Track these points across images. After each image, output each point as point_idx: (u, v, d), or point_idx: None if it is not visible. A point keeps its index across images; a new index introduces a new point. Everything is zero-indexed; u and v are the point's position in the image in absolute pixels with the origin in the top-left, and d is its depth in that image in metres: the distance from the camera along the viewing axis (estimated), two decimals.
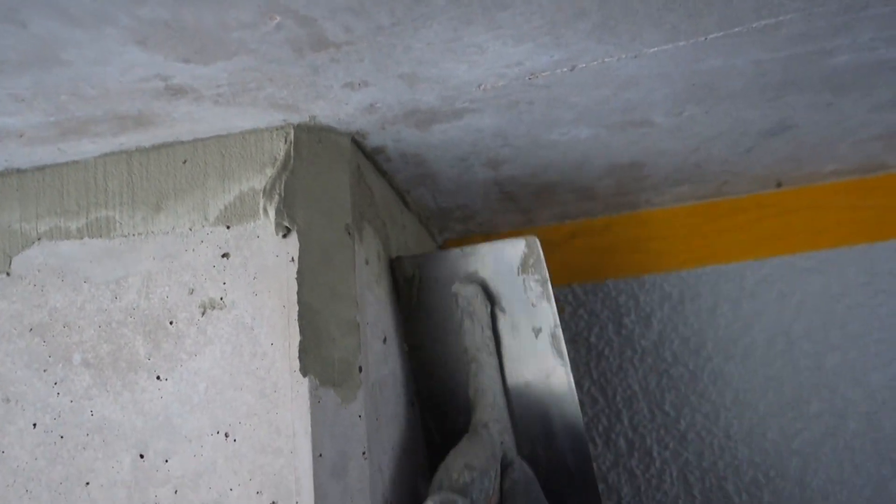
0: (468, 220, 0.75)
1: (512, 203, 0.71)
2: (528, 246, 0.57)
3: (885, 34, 0.47)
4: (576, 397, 0.56)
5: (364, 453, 0.47)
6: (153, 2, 0.36)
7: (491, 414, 0.55)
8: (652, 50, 0.46)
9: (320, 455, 0.45)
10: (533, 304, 0.57)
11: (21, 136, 0.49)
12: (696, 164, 0.66)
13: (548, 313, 0.57)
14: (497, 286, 0.58)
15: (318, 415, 0.45)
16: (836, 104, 0.57)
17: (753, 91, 0.53)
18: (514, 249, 0.58)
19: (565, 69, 0.47)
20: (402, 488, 0.54)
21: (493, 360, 0.57)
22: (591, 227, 0.78)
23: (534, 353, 0.57)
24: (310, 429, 0.45)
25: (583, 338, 0.74)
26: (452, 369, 0.59)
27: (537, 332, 0.57)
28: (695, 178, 0.70)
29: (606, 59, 0.46)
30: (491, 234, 0.79)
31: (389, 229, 0.61)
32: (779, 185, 0.74)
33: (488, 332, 0.57)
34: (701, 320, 0.73)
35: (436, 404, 0.59)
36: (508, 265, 0.58)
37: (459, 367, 0.58)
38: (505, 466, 0.53)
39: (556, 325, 0.57)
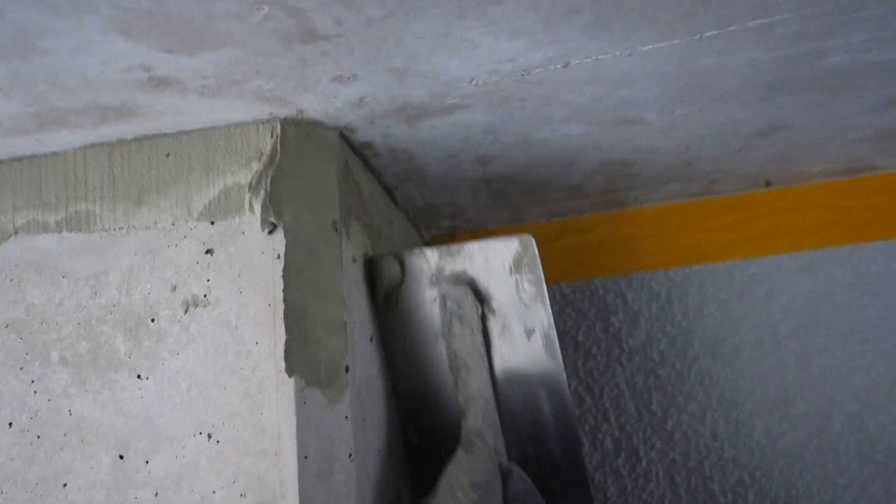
0: (456, 216, 0.74)
1: (501, 200, 0.70)
2: (521, 245, 0.55)
3: (880, 36, 0.46)
4: (569, 397, 0.54)
5: (350, 455, 0.46)
6: None
7: (484, 421, 0.53)
8: (646, 48, 0.45)
9: (306, 457, 0.44)
10: (526, 305, 0.55)
11: None
12: (687, 162, 0.66)
13: (541, 314, 0.55)
14: (487, 286, 0.55)
15: (303, 416, 0.44)
16: (828, 105, 0.57)
17: (746, 90, 0.53)
18: (506, 248, 0.55)
19: (559, 66, 0.46)
20: (389, 490, 0.53)
21: (484, 364, 0.55)
22: (580, 225, 0.77)
23: (526, 355, 0.55)
24: (295, 430, 0.44)
25: (570, 336, 0.74)
26: (435, 371, 0.56)
27: (530, 333, 0.55)
28: (685, 176, 0.69)
29: (600, 57, 0.46)
30: (479, 230, 0.79)
31: (377, 226, 0.60)
32: (768, 184, 0.74)
33: (479, 336, 0.55)
34: (688, 319, 0.73)
35: (415, 406, 0.57)
36: (500, 264, 0.55)
37: (442, 369, 0.56)
38: (504, 477, 0.51)
39: (549, 327, 0.55)
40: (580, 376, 0.73)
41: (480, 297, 0.55)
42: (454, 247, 0.56)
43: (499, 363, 0.56)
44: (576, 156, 0.61)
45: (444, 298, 0.55)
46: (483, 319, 0.56)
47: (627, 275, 0.75)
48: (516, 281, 0.55)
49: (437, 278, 0.56)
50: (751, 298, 0.73)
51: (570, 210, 0.76)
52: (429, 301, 0.56)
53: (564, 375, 0.55)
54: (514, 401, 0.55)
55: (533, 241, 0.55)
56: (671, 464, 0.70)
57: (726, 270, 0.74)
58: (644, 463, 0.71)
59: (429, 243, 0.79)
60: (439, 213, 0.73)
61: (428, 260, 0.56)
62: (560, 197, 0.72)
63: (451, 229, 0.78)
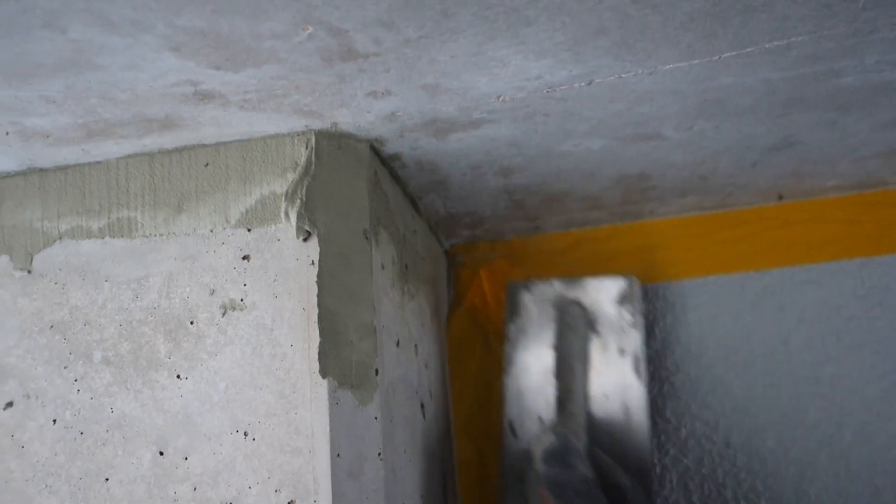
0: (476, 226, 0.77)
1: (520, 210, 0.73)
2: (628, 284, 0.71)
3: (891, 57, 0.48)
4: (646, 411, 0.67)
5: (379, 454, 0.48)
6: (191, 11, 0.37)
7: (574, 421, 0.66)
8: (667, 67, 0.47)
9: (338, 455, 0.46)
10: (623, 330, 0.69)
11: (48, 136, 0.50)
12: (702, 176, 0.68)
13: (635, 339, 0.69)
14: (595, 312, 0.70)
15: (336, 416, 0.46)
16: (840, 122, 0.59)
17: (762, 108, 0.55)
18: (614, 284, 0.71)
19: (583, 84, 0.48)
20: (414, 490, 0.55)
21: (582, 368, 0.69)
22: (596, 236, 0.79)
23: (616, 369, 0.68)
24: (328, 429, 0.46)
25: None
26: (540, 371, 0.70)
27: (622, 352, 0.69)
28: (700, 190, 0.71)
29: (623, 75, 0.48)
30: (497, 240, 0.81)
31: (402, 234, 0.62)
32: (780, 198, 0.76)
33: (584, 347, 0.69)
34: (703, 329, 0.75)
35: (520, 399, 0.70)
36: (608, 296, 0.71)
37: (547, 371, 0.70)
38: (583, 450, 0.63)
39: (640, 350, 0.69)
40: None
41: (589, 320, 0.70)
42: (574, 280, 0.73)
43: (593, 373, 0.69)
44: (595, 168, 0.63)
45: (561, 313, 0.71)
46: (587, 337, 0.70)
47: (642, 285, 0.77)
48: (619, 311, 0.70)
49: (558, 302, 0.72)
50: (763, 309, 0.74)
51: (587, 221, 0.77)
52: (546, 318, 0.71)
53: (645, 392, 0.68)
54: (599, 407, 0.68)
55: (637, 282, 0.72)
56: (685, 470, 0.72)
57: (739, 282, 0.76)
58: (658, 469, 0.72)
59: (448, 252, 0.81)
60: (460, 223, 0.75)
61: (553, 287, 0.73)
62: (578, 208, 0.74)
63: (471, 238, 0.80)
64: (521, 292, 0.73)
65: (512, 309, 0.73)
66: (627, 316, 0.69)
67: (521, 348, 0.71)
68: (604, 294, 0.70)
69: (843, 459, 0.70)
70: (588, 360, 0.69)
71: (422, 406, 0.61)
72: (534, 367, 0.70)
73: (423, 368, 0.63)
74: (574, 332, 0.69)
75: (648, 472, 0.66)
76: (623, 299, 0.70)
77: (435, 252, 0.76)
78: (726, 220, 0.77)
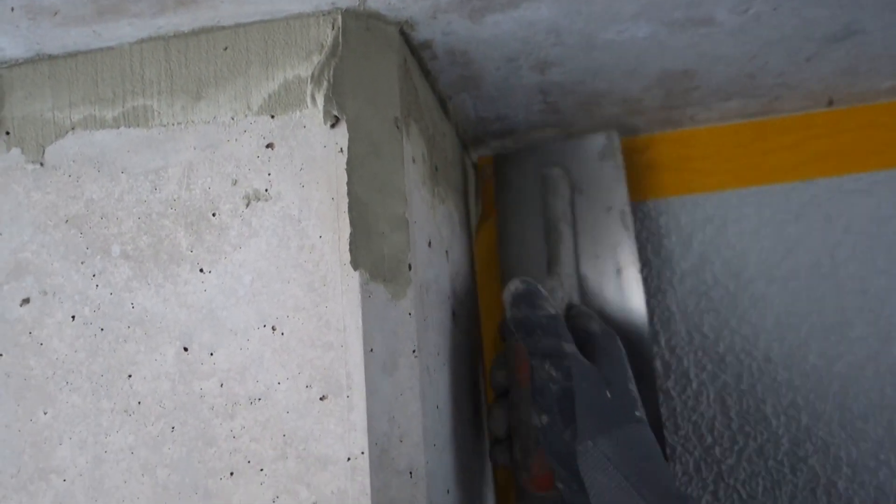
0: (506, 135, 0.73)
1: (554, 115, 0.69)
2: (607, 138, 0.70)
3: None
4: (637, 266, 0.67)
5: (414, 351, 0.46)
6: None
7: (566, 282, 0.65)
8: None
9: (371, 350, 0.43)
10: (608, 187, 0.68)
11: (55, 13, 0.46)
12: (751, 74, 0.63)
13: (620, 194, 0.68)
14: (578, 172, 0.69)
15: (368, 309, 0.44)
16: None
17: None
18: (594, 141, 0.70)
19: None
20: (447, 394, 0.53)
21: (570, 231, 0.67)
22: (633, 146, 0.75)
23: (605, 226, 0.67)
24: (360, 323, 0.43)
25: None
26: (531, 240, 0.69)
27: (609, 209, 0.68)
28: (746, 91, 0.67)
29: None
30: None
31: (432, 133, 0.58)
32: (830, 103, 0.71)
33: (568, 208, 0.67)
34: (744, 242, 0.71)
35: (515, 270, 0.69)
36: (589, 154, 0.70)
37: (538, 238, 0.69)
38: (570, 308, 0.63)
39: (625, 204, 0.68)
40: None
41: (572, 180, 0.69)
42: (555, 143, 0.71)
43: (581, 233, 0.68)
44: (638, 63, 0.59)
45: (544, 178, 0.69)
46: (572, 198, 0.68)
47: (681, 196, 0.73)
48: (601, 167, 0.69)
49: (540, 166, 0.70)
50: (809, 220, 0.71)
51: (623, 129, 0.73)
52: (532, 183, 0.71)
53: (636, 245, 0.67)
54: (591, 268, 0.67)
55: (616, 135, 0.71)
56: (722, 386, 0.69)
57: (784, 192, 0.72)
58: (695, 385, 0.70)
59: (475, 164, 0.77)
60: (489, 131, 0.71)
61: (534, 152, 0.72)
62: (615, 113, 0.69)
63: (499, 149, 0.76)
64: (507, 165, 0.72)
65: (500, 184, 0.72)
66: (610, 171, 0.68)
67: (512, 221, 0.70)
68: (584, 153, 0.70)
69: (889, 375, 0.67)
70: (574, 221, 0.68)
71: (453, 313, 0.58)
72: (524, 236, 0.69)
73: (454, 275, 0.60)
74: (556, 194, 0.67)
75: (643, 333, 0.64)
76: (604, 155, 0.69)
77: (463, 161, 0.72)
78: (772, 127, 0.73)
